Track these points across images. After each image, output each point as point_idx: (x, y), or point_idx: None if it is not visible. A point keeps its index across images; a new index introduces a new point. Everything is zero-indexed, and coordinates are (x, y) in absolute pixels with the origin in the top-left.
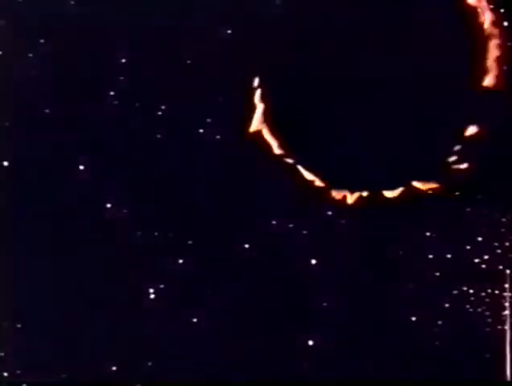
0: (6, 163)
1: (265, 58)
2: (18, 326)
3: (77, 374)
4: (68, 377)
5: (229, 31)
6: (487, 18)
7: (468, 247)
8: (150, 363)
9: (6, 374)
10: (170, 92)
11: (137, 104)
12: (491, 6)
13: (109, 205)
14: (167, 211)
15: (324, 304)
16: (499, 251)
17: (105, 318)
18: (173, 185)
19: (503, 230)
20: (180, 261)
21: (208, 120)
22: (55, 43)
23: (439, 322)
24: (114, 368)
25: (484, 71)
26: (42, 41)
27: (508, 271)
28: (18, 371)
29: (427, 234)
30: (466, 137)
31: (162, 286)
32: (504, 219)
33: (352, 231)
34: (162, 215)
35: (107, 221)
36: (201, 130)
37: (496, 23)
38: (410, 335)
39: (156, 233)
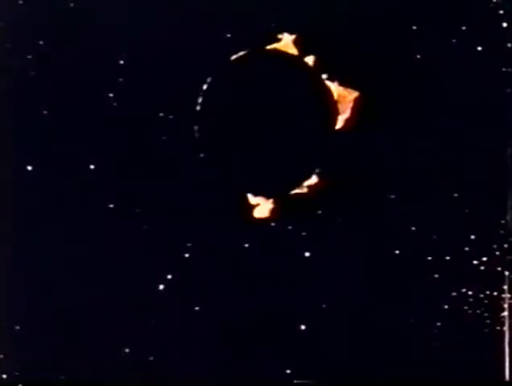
0: (29, 168)
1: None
2: (17, 327)
3: (76, 375)
4: (66, 379)
5: (229, 35)
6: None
7: (467, 248)
8: (150, 364)
9: (4, 376)
10: (169, 93)
11: (136, 106)
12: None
13: (112, 205)
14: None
15: (323, 306)
16: (498, 252)
17: (105, 320)
18: (174, 184)
19: (502, 232)
20: (186, 256)
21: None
22: (54, 45)
23: (438, 324)
24: (114, 370)
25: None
26: (41, 42)
27: (507, 272)
28: (17, 373)
29: (426, 235)
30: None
31: (162, 287)
32: (503, 221)
33: (349, 231)
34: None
35: (109, 221)
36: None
37: (343, 84)
38: (409, 337)
39: (157, 230)
